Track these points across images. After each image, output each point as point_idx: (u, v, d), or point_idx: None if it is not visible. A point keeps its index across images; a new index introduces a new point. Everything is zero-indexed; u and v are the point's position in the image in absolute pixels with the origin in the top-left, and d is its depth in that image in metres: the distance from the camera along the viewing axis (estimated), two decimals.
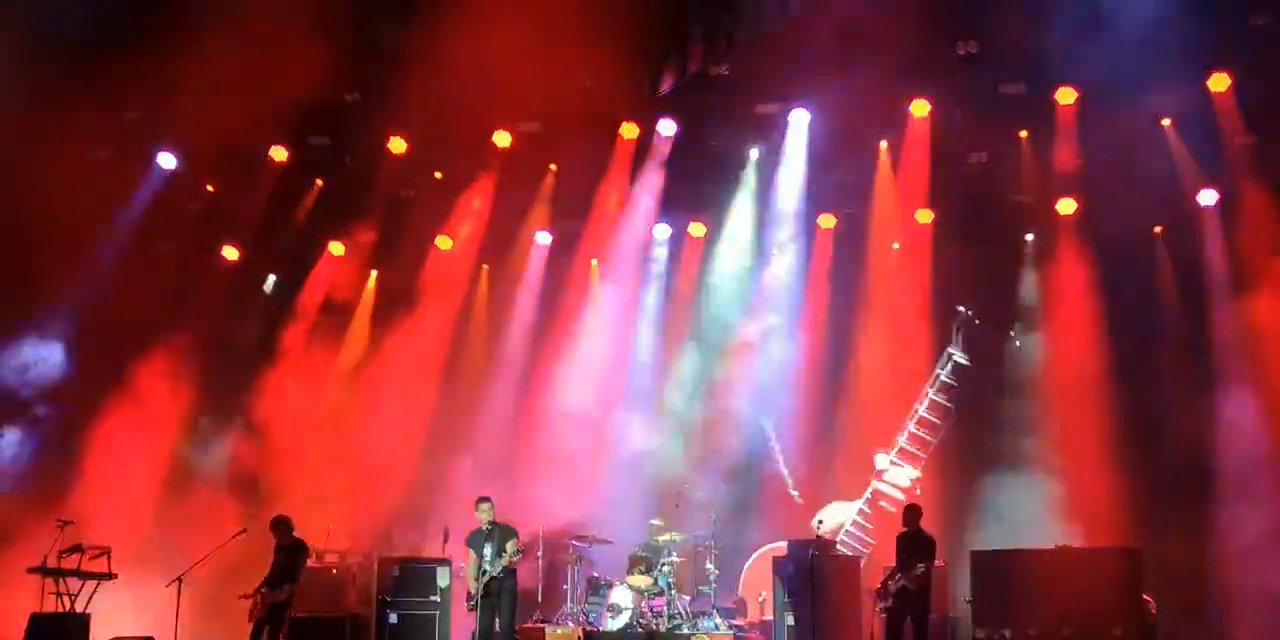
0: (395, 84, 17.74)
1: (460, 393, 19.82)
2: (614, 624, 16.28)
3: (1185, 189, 17.43)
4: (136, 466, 17.88)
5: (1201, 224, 17.59)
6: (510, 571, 15.23)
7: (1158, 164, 17.14)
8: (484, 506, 15.31)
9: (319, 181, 19.68)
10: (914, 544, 14.35)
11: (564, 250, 19.95)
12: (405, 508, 19.03)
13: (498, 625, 15.08)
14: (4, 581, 16.02)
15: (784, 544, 16.43)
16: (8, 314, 17.75)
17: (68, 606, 15.83)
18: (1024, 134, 17.81)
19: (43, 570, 15.78)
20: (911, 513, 14.59)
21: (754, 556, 17.64)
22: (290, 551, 15.03)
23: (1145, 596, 15.37)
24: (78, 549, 15.95)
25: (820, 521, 15.81)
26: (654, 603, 16.53)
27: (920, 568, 13.98)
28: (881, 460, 18.07)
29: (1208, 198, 17.48)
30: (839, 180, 18.77)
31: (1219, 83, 16.69)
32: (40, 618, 15.63)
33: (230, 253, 19.73)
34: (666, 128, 18.64)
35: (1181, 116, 17.07)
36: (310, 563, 17.38)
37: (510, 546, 15.04)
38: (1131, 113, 16.64)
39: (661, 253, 19.89)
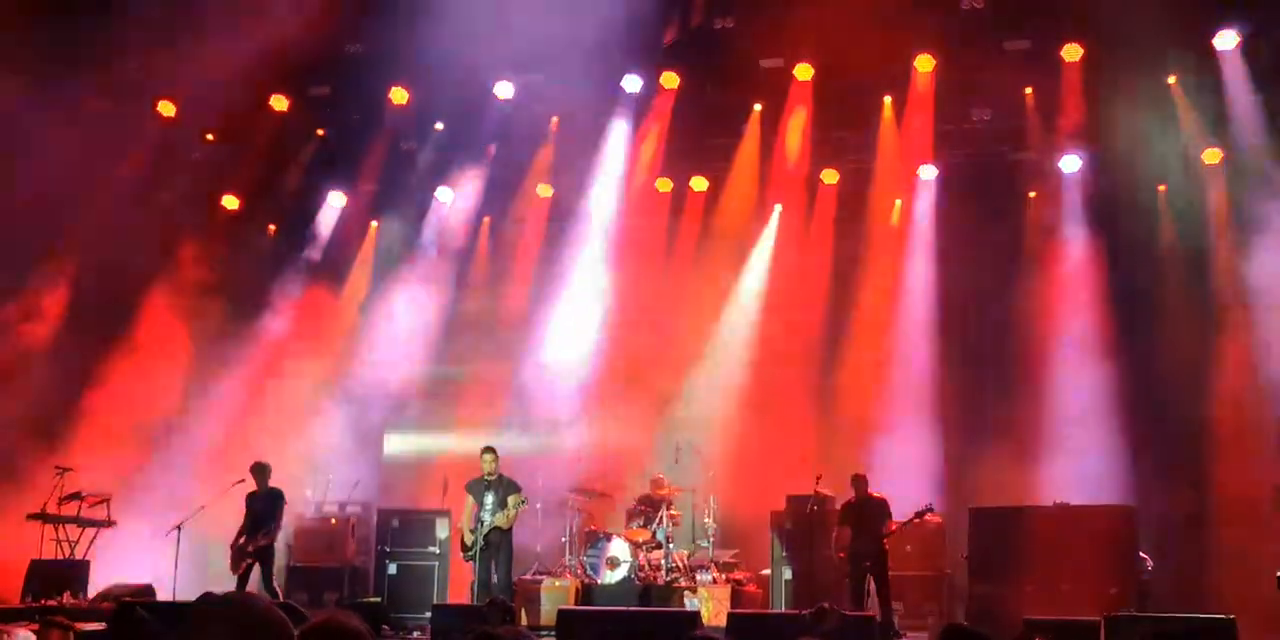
0: (397, 34, 17.59)
1: (458, 346, 19.84)
2: (612, 577, 16.34)
3: (1189, 147, 17.35)
4: (136, 414, 17.89)
5: (1205, 183, 17.52)
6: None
7: (1163, 122, 17.03)
8: (488, 457, 15.37)
9: (320, 131, 19.59)
10: (867, 510, 14.92)
11: (565, 203, 19.88)
12: (403, 459, 19.10)
13: (495, 577, 15.18)
14: (4, 528, 16.07)
15: None
16: (9, 265, 17.69)
17: (67, 553, 15.94)
18: (1029, 91, 17.68)
19: (42, 517, 15.87)
20: (859, 481, 15.09)
21: None
22: (266, 499, 15.16)
23: (1141, 554, 15.47)
24: (77, 496, 16.05)
25: (820, 477, 15.84)
26: (652, 556, 16.60)
27: (892, 525, 14.76)
28: None
29: (1212, 156, 17.40)
30: (842, 136, 18.70)
31: (1226, 40, 16.57)
32: (40, 564, 15.74)
33: (230, 202, 19.67)
34: (669, 81, 18.50)
35: (1187, 74, 16.95)
36: (310, 513, 17.56)
37: (513, 500, 15.12)
38: (1137, 70, 16.53)
39: (663, 206, 19.81)
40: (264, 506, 15.16)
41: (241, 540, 15.04)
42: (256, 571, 15.11)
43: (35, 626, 10.37)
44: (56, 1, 17.16)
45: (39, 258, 17.88)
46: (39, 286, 17.95)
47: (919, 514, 14.66)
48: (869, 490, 15.08)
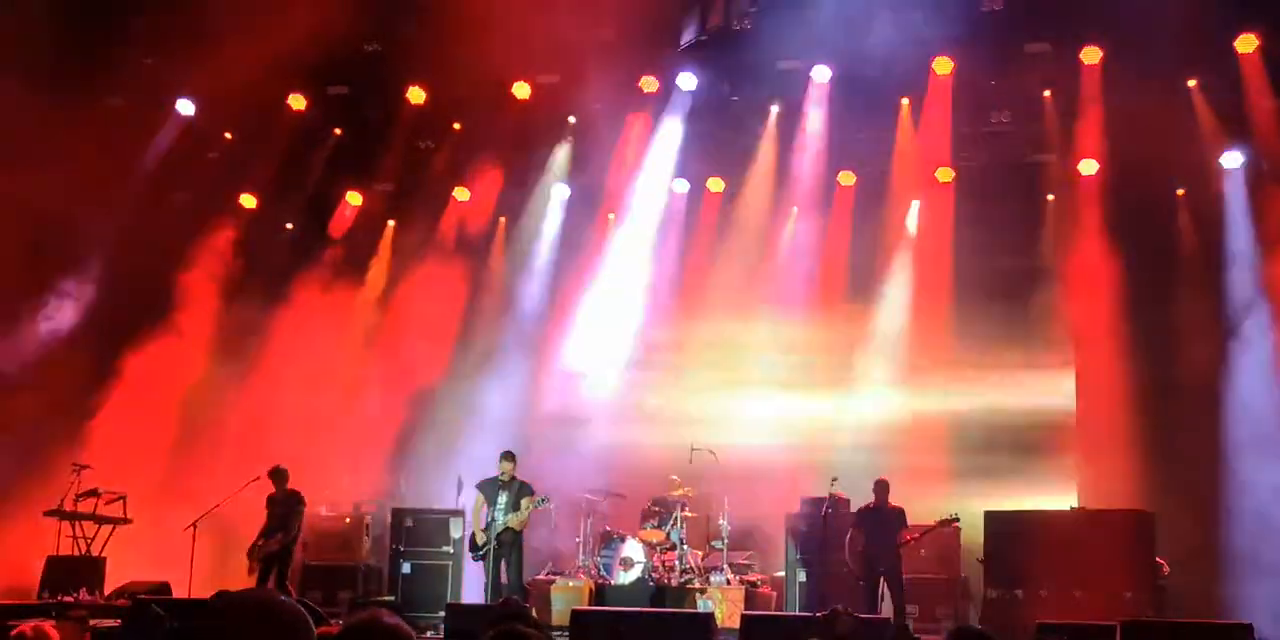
0: (415, 34, 17.61)
1: (475, 346, 19.84)
2: (625, 578, 16.34)
3: (1209, 151, 17.27)
4: (153, 412, 17.94)
5: (1224, 187, 17.45)
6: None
7: (1182, 125, 16.94)
8: (507, 464, 15.41)
9: (337, 131, 19.60)
10: (883, 517, 14.90)
11: (582, 204, 19.88)
12: (419, 458, 19.11)
13: (506, 577, 15.21)
14: (21, 524, 16.13)
15: None
16: (32, 264, 17.76)
17: (83, 550, 15.99)
18: (1047, 93, 17.62)
19: (59, 514, 15.91)
20: (881, 487, 15.05)
21: None
22: (284, 503, 15.18)
23: (1158, 559, 15.41)
24: (94, 493, 16.09)
25: (835, 479, 15.80)
26: (666, 557, 16.58)
27: (909, 535, 14.74)
28: None
29: (1232, 160, 17.33)
30: (860, 138, 18.67)
31: (1246, 44, 16.48)
32: (56, 560, 15.79)
33: (248, 201, 19.71)
34: (687, 82, 18.46)
35: (1207, 78, 16.89)
36: (325, 512, 17.56)
37: (526, 502, 15.14)
38: (1157, 73, 16.45)
39: (679, 208, 19.79)
40: (283, 510, 15.21)
41: (260, 542, 15.10)
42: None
43: (51, 622, 10.41)
44: (76, 1, 17.21)
45: (60, 256, 17.93)
46: (60, 285, 18.00)
47: (943, 522, 14.62)
48: (888, 498, 15.02)
